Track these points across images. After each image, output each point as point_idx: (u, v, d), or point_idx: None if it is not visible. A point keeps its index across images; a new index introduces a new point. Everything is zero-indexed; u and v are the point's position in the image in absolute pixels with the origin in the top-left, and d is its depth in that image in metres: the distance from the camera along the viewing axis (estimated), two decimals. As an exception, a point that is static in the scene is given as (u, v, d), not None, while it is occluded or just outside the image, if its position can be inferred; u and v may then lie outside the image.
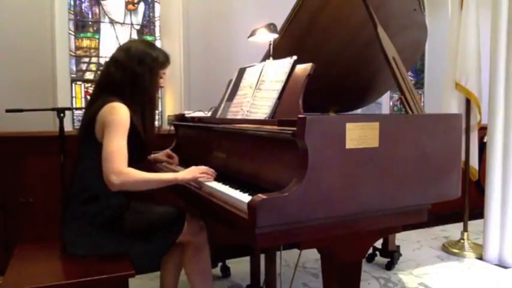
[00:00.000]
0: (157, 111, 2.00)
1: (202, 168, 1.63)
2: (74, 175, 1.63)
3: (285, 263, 2.77)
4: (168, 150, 2.15)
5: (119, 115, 1.53)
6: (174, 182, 1.59)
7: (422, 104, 4.72)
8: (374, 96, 2.73)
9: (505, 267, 2.73)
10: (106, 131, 1.51)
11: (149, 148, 1.77)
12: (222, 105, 1.99)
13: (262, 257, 2.21)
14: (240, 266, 2.71)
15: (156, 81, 1.71)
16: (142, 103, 1.66)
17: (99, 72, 1.83)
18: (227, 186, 1.48)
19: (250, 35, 2.15)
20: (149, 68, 1.66)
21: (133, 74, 1.63)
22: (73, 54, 3.17)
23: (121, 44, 1.88)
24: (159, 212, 1.70)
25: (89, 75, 3.22)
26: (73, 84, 3.14)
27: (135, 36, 3.40)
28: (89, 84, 3.19)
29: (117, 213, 1.60)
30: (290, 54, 1.63)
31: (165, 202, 1.78)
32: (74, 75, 3.15)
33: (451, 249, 3.05)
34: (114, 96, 1.59)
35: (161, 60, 1.71)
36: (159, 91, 3.42)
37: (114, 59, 1.68)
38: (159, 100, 3.46)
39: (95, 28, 3.30)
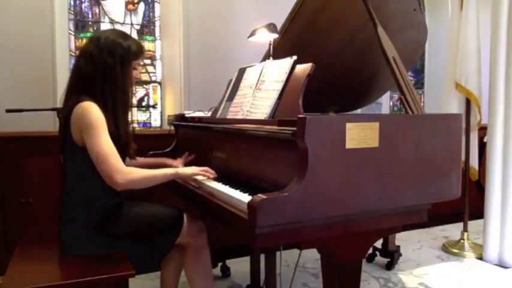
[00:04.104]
0: (132, 108, 1.78)
1: (204, 167, 1.66)
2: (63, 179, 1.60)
3: (285, 263, 2.77)
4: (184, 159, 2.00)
5: (92, 114, 1.45)
6: (175, 177, 1.60)
7: (422, 104, 4.72)
8: (374, 96, 2.73)
9: (505, 267, 2.73)
10: (87, 134, 1.45)
11: (126, 149, 1.61)
12: (222, 105, 1.99)
13: (262, 257, 2.21)
14: (240, 266, 2.71)
15: (129, 73, 1.60)
16: (114, 98, 1.55)
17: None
18: (227, 186, 1.48)
19: (250, 35, 2.15)
20: (120, 59, 1.55)
21: (103, 67, 1.53)
22: (73, 54, 3.18)
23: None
24: (158, 212, 1.69)
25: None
26: (73, 84, 3.14)
27: (134, 36, 3.40)
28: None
29: (111, 214, 1.58)
30: (290, 54, 1.63)
31: (163, 203, 1.78)
32: (74, 75, 3.15)
33: (451, 249, 3.05)
34: (85, 93, 1.51)
35: (133, 50, 1.59)
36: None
37: (84, 52, 1.58)
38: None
39: (95, 28, 3.30)
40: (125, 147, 1.58)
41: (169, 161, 1.97)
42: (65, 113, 1.53)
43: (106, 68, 1.54)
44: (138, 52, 1.62)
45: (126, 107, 1.62)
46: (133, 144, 1.69)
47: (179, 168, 1.65)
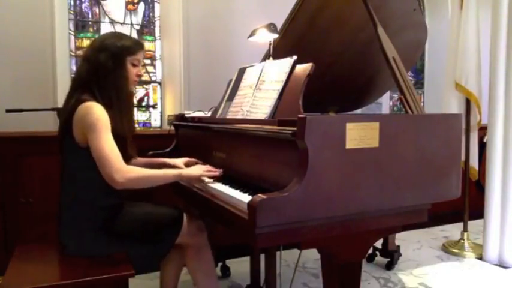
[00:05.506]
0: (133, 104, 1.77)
1: (207, 166, 1.65)
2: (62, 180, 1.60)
3: (285, 263, 2.77)
4: (187, 159, 1.88)
5: (96, 114, 1.46)
6: (178, 179, 1.59)
7: (422, 104, 4.72)
8: (374, 96, 2.73)
9: (505, 267, 2.73)
10: (91, 135, 1.45)
11: (125, 146, 1.58)
12: (222, 105, 1.99)
13: (262, 257, 2.21)
14: (240, 266, 2.71)
15: (124, 69, 1.59)
16: (110, 95, 1.55)
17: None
18: (227, 186, 1.48)
19: (250, 35, 2.15)
20: (112, 55, 1.56)
21: (96, 64, 1.55)
22: (73, 54, 3.18)
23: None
24: (157, 213, 1.69)
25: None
26: (73, 84, 3.14)
27: (134, 36, 3.41)
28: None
29: (111, 214, 1.58)
30: (290, 54, 1.63)
31: (163, 203, 1.78)
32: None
33: (451, 249, 3.05)
34: (86, 93, 1.52)
35: (127, 46, 1.59)
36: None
37: (82, 56, 1.65)
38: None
39: (95, 28, 3.30)
40: (122, 144, 1.55)
41: (170, 160, 1.90)
42: (66, 113, 1.53)
43: (99, 65, 1.55)
44: (133, 47, 1.61)
45: (122, 103, 1.61)
46: (133, 145, 1.67)
47: (183, 170, 1.63)
